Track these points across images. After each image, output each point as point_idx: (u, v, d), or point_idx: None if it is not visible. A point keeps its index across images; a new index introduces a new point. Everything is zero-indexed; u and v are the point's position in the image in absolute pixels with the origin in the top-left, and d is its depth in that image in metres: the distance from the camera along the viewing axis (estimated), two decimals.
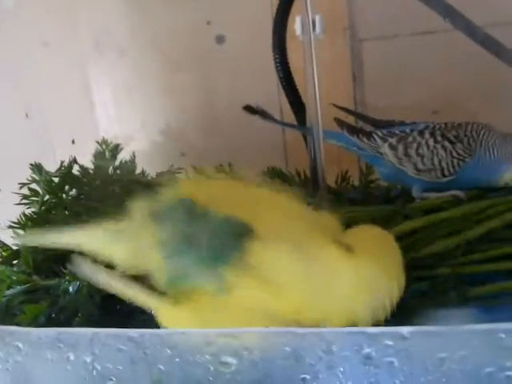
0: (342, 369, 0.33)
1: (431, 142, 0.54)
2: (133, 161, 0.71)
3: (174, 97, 0.85)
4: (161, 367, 0.34)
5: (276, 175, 0.69)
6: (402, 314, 0.44)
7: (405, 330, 0.31)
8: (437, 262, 0.48)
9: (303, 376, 0.33)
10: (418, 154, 0.54)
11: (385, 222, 0.49)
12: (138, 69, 0.83)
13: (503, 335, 0.30)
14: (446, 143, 0.53)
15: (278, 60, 0.70)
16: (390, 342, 0.32)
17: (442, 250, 0.47)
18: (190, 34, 0.82)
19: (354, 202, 0.62)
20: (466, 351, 0.32)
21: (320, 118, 0.58)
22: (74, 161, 0.63)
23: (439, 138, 0.54)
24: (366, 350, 0.32)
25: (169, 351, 0.34)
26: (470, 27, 0.74)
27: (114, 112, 0.86)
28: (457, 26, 0.74)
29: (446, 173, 0.53)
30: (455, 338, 0.31)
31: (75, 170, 0.62)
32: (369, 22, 0.79)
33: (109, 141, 0.71)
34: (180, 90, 0.83)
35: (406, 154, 0.55)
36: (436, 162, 0.53)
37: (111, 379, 0.35)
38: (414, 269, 0.48)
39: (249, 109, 0.66)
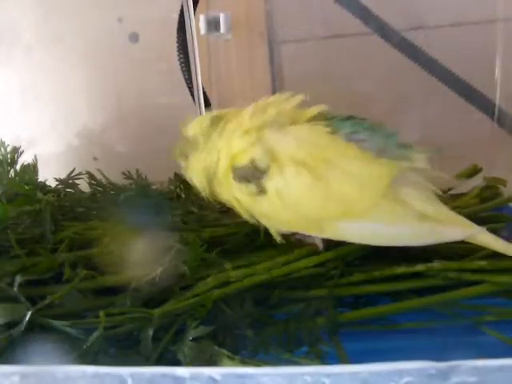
0: None
1: None
2: (34, 165, 0.66)
3: (85, 97, 0.80)
4: None
5: (180, 181, 0.65)
6: (267, 338, 0.40)
7: (215, 371, 0.27)
8: (314, 283, 0.44)
9: None
10: None
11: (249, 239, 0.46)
12: (45, 67, 0.79)
13: (308, 378, 0.26)
14: None
15: (182, 60, 0.67)
16: None
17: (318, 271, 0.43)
18: (100, 32, 0.77)
19: None
20: None
21: None
22: None
23: None
24: None
25: None
26: (385, 30, 0.72)
27: (20, 113, 0.81)
28: (372, 28, 0.71)
29: None
30: (269, 379, 0.27)
31: None
32: (287, 25, 0.75)
33: (6, 143, 0.66)
34: (90, 90, 0.79)
35: None
36: None
37: None
38: (290, 289, 0.44)
39: None
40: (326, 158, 0.39)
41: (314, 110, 0.42)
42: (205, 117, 0.45)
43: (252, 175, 0.40)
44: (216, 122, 0.43)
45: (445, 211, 0.40)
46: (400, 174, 0.40)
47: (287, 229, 0.42)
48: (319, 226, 0.40)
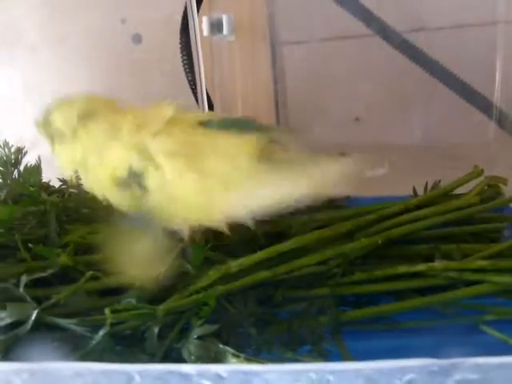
0: None
1: None
2: (38, 165, 0.66)
3: None
4: None
5: None
6: (270, 336, 0.41)
7: (221, 368, 0.28)
8: (316, 282, 0.44)
9: None
10: None
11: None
12: (49, 67, 0.79)
13: (313, 375, 0.27)
14: None
15: (185, 62, 0.67)
16: (207, 383, 0.28)
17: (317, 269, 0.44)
18: (103, 33, 0.77)
19: None
20: None
21: None
22: None
23: None
24: None
25: None
26: (386, 32, 0.72)
27: (24, 113, 0.81)
28: (373, 30, 0.72)
29: None
30: (275, 376, 0.28)
31: None
32: (289, 26, 0.76)
33: (10, 144, 0.67)
34: (93, 90, 0.79)
35: None
36: None
37: None
38: (293, 288, 0.45)
39: None
40: (196, 144, 0.40)
41: (191, 118, 0.42)
42: (71, 109, 0.43)
43: (132, 179, 0.40)
44: (84, 118, 0.42)
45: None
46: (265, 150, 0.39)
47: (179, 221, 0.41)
48: (207, 211, 0.40)
